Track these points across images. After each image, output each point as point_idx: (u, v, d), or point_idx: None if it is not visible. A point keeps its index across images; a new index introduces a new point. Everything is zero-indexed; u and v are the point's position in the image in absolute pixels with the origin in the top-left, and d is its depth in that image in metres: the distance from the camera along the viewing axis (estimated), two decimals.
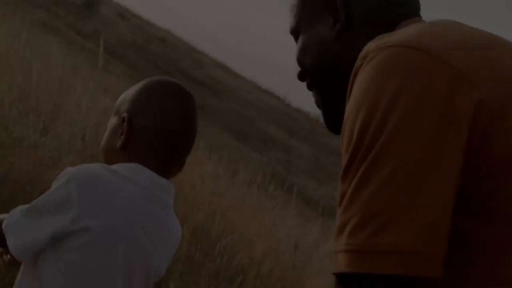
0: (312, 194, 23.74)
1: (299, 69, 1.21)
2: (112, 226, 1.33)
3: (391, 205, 0.84)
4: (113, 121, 1.53)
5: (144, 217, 1.39)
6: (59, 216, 1.31)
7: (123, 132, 1.47)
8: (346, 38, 1.11)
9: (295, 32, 1.21)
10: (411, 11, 1.12)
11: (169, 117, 1.45)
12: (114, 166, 1.41)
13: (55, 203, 1.32)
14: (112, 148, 1.49)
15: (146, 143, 1.45)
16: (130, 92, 1.52)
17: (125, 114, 1.48)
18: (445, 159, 0.85)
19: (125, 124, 1.47)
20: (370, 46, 0.96)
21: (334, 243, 0.90)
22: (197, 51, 54.16)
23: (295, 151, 35.60)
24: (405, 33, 0.95)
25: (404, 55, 0.90)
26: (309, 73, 1.18)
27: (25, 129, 3.96)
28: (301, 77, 1.22)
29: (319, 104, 1.20)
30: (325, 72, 1.15)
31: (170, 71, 33.84)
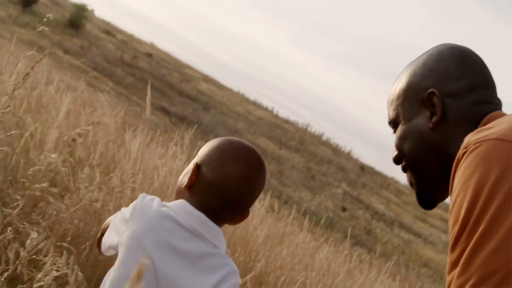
0: (309, 206, 23.69)
1: (396, 153, 1.43)
2: (136, 235, 1.57)
3: (509, 262, 0.99)
4: (191, 163, 1.74)
5: (167, 234, 1.58)
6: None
7: (190, 176, 1.67)
8: (442, 129, 1.32)
9: (394, 123, 1.43)
10: (495, 107, 1.34)
11: (227, 177, 1.64)
12: (168, 203, 1.66)
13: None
14: (180, 185, 1.71)
15: (203, 190, 1.65)
16: (210, 143, 1.75)
17: (197, 161, 1.69)
18: None
19: (193, 169, 1.68)
20: (470, 138, 1.16)
21: None
22: (184, 64, 54.23)
23: (287, 162, 35.61)
24: (499, 127, 1.16)
25: (502, 147, 1.11)
26: (406, 158, 1.39)
27: None
28: (397, 160, 1.43)
29: (412, 184, 1.41)
30: (422, 157, 1.36)
31: (159, 87, 33.82)
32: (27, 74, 2.62)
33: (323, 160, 42.78)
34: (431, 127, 1.32)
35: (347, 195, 35.51)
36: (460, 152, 1.17)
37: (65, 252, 2.83)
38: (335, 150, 50.18)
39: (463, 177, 1.12)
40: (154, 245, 1.56)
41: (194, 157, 1.79)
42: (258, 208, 6.02)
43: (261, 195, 6.66)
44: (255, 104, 54.08)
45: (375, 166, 50.24)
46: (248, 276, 4.12)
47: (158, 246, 1.56)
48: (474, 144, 1.14)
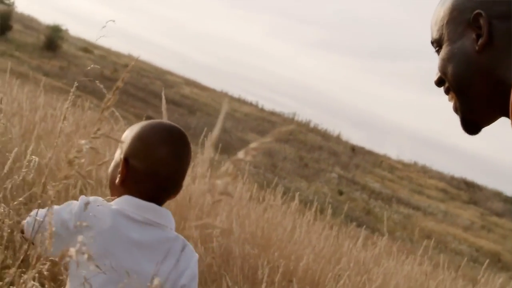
0: (307, 195, 23.91)
1: (438, 75, 1.38)
2: (100, 242, 1.57)
3: None
4: (117, 153, 1.75)
5: (126, 232, 1.62)
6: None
7: (120, 171, 1.68)
8: (489, 52, 1.27)
9: (438, 44, 1.38)
10: None
11: (157, 162, 1.66)
12: (113, 201, 1.67)
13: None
14: (113, 181, 1.71)
15: (138, 181, 1.67)
16: (130, 133, 1.74)
17: (121, 156, 1.69)
18: None
19: (121, 165, 1.68)
20: None
21: None
22: (164, 71, 54.21)
23: (278, 154, 35.79)
24: None
25: None
26: (450, 81, 1.35)
27: None
28: (439, 83, 1.39)
29: (456, 109, 1.37)
30: (466, 80, 1.31)
31: (142, 97, 33.91)
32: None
33: (313, 147, 42.95)
34: (477, 50, 1.28)
35: (342, 179, 35.73)
36: None
37: None
38: (324, 135, 50.28)
39: None
40: (118, 246, 1.59)
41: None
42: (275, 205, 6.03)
43: (260, 191, 6.68)
44: (240, 100, 54.13)
45: (365, 146, 50.39)
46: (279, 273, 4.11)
47: (122, 246, 1.60)
48: None
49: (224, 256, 4.50)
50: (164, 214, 1.69)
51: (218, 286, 4.24)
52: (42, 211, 1.62)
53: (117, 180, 1.69)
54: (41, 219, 1.56)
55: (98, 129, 1.24)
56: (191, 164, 6.11)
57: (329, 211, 6.53)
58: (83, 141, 1.24)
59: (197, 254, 1.74)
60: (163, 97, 1.90)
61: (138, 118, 5.84)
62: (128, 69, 1.23)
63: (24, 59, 31.20)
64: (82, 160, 1.28)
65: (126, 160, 1.68)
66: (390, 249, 7.02)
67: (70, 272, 1.61)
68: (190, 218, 4.58)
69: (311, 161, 37.86)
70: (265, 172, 26.65)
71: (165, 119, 1.26)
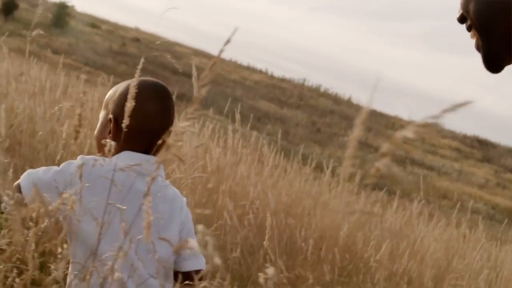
0: (321, 160, 23.92)
1: (460, 12, 1.32)
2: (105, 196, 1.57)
3: None
4: (102, 114, 1.82)
5: (128, 182, 1.66)
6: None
7: (110, 130, 1.75)
8: None
9: None
10: None
11: (145, 120, 1.73)
12: (113, 157, 1.71)
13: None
14: (103, 141, 1.69)
15: (131, 138, 1.71)
16: (116, 92, 1.81)
17: (111, 116, 1.76)
18: None
19: (111, 124, 1.75)
20: None
21: None
22: (172, 42, 54.08)
23: (290, 121, 35.81)
24: None
25: None
26: (472, 18, 1.28)
27: None
28: (461, 19, 1.32)
29: (478, 47, 1.30)
30: (489, 18, 1.24)
31: (152, 69, 33.92)
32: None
33: (325, 111, 42.90)
34: None
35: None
36: None
37: None
38: (335, 99, 50.18)
39: None
40: (127, 199, 1.60)
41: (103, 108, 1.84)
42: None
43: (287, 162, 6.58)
44: (249, 68, 54.03)
45: (376, 108, 50.28)
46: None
47: (131, 197, 1.62)
48: None
49: (260, 228, 4.41)
50: (152, 161, 1.72)
51: (255, 259, 4.22)
52: (41, 170, 1.71)
53: (108, 140, 1.69)
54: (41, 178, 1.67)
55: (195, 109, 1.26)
56: (223, 137, 6.07)
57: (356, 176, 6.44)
58: (183, 124, 1.26)
59: (184, 198, 1.85)
60: (194, 70, 1.91)
61: None
62: (211, 66, 1.24)
63: (32, 38, 31.15)
64: (180, 143, 1.31)
65: (115, 119, 1.74)
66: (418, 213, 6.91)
67: (72, 234, 1.66)
68: (223, 190, 4.57)
69: (324, 126, 37.86)
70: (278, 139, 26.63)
71: (195, 92, 1.29)
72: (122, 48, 40.19)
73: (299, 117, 38.19)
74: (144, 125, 1.73)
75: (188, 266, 1.78)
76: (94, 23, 48.34)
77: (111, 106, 1.78)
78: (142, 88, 1.72)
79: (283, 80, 52.73)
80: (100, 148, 1.78)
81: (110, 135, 1.74)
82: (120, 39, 44.43)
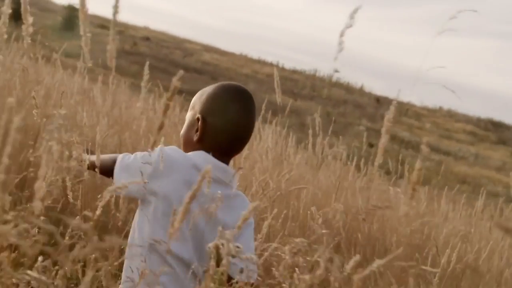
0: (339, 150, 23.83)
1: None
2: (175, 188, 1.74)
3: None
4: (190, 115, 1.93)
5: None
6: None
7: (198, 129, 1.86)
8: None
9: None
10: None
11: (232, 118, 1.84)
12: (190, 154, 1.84)
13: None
14: (190, 139, 1.89)
15: (213, 137, 1.84)
16: (203, 94, 1.91)
17: (199, 115, 1.86)
18: None
19: (199, 123, 1.86)
20: None
21: None
22: (183, 39, 54.15)
23: (305, 112, 35.76)
24: None
25: None
26: None
27: None
28: None
29: None
30: None
31: (163, 67, 33.98)
32: None
33: (338, 101, 42.80)
34: None
35: (371, 131, 35.51)
36: None
37: None
38: (348, 88, 50.01)
39: None
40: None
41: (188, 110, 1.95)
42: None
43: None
44: (260, 62, 53.94)
45: (389, 95, 50.08)
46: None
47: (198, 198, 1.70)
48: None
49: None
50: (230, 173, 1.86)
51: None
52: (122, 156, 1.86)
53: (195, 138, 1.86)
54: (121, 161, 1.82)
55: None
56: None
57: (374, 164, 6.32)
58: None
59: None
60: (276, 78, 2.02)
61: (163, 90, 5.89)
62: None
63: (44, 42, 31.31)
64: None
65: (203, 118, 1.86)
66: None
67: (142, 208, 1.80)
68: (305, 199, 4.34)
69: (338, 116, 37.78)
70: (295, 132, 26.62)
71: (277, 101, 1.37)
72: (133, 47, 40.30)
73: (314, 108, 38.08)
74: (230, 123, 1.85)
75: (242, 278, 1.77)
76: (104, 24, 48.47)
77: (198, 107, 1.89)
78: (228, 90, 1.89)
79: (294, 71, 52.60)
80: (187, 146, 1.91)
81: (197, 133, 1.86)
82: (131, 38, 44.54)
